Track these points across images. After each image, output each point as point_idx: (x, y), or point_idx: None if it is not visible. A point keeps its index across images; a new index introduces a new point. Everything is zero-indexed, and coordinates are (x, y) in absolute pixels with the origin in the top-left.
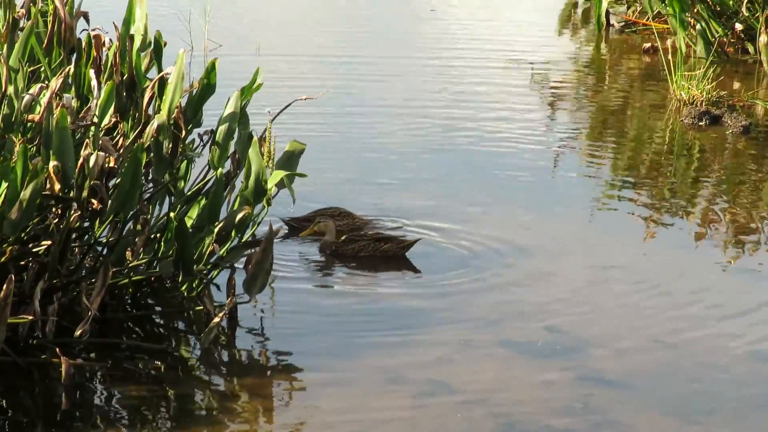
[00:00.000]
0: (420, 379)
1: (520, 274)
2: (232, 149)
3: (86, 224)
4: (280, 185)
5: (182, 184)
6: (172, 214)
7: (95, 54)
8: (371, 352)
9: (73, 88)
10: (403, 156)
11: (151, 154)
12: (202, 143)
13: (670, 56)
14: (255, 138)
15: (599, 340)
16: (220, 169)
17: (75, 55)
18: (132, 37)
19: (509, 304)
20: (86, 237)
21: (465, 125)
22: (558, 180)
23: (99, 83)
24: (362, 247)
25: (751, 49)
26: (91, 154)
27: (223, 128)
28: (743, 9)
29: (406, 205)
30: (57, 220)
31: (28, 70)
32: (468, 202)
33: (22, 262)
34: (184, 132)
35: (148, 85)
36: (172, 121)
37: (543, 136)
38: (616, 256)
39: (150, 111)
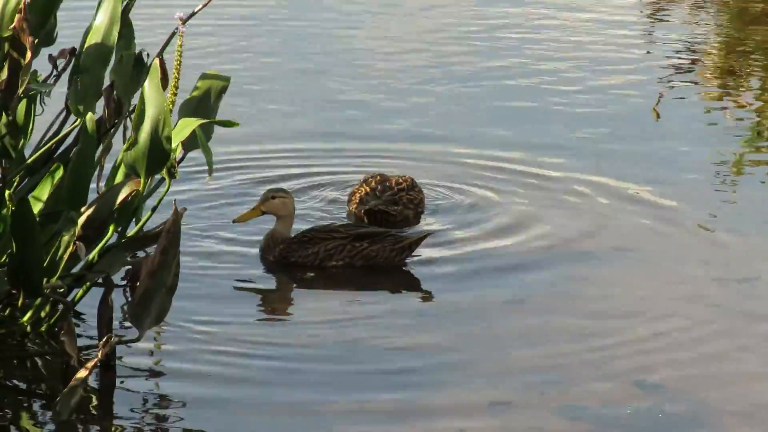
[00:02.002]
0: None
1: (591, 293)
2: (106, 81)
3: None
4: (189, 144)
5: (22, 141)
6: (6, 193)
7: None
8: (344, 427)
9: None
10: (406, 94)
11: None
12: (56, 72)
13: None
14: (155, 61)
15: (732, 405)
16: (89, 115)
17: None
18: None
19: (572, 343)
20: None
21: (510, 44)
22: (667, 132)
23: None
24: (331, 251)
25: None
26: None
27: (92, 46)
28: None
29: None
30: None
31: None
32: (512, 172)
33: None
34: (29, 53)
35: None
36: (8, 33)
37: (641, 59)
38: (758, 261)
39: None
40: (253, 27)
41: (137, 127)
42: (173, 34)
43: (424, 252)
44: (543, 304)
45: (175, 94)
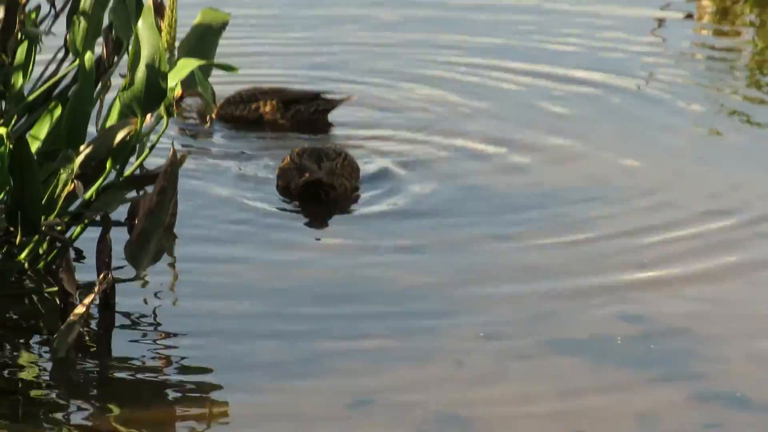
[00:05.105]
0: (419, 404)
1: (576, 229)
2: (105, 22)
3: None
4: (189, 83)
5: (20, 80)
6: (2, 131)
7: None
8: (343, 363)
9: None
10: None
11: None
12: (54, 12)
13: None
14: (148, 2)
15: (720, 335)
16: (88, 54)
17: None
18: None
19: (561, 277)
20: None
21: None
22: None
23: None
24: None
25: None
26: None
27: None
28: None
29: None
30: None
31: None
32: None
33: None
34: None
35: None
36: None
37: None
38: (748, 197)
39: None
40: None
41: (133, 68)
42: None
43: (408, 188)
44: (531, 240)
45: (170, 34)
